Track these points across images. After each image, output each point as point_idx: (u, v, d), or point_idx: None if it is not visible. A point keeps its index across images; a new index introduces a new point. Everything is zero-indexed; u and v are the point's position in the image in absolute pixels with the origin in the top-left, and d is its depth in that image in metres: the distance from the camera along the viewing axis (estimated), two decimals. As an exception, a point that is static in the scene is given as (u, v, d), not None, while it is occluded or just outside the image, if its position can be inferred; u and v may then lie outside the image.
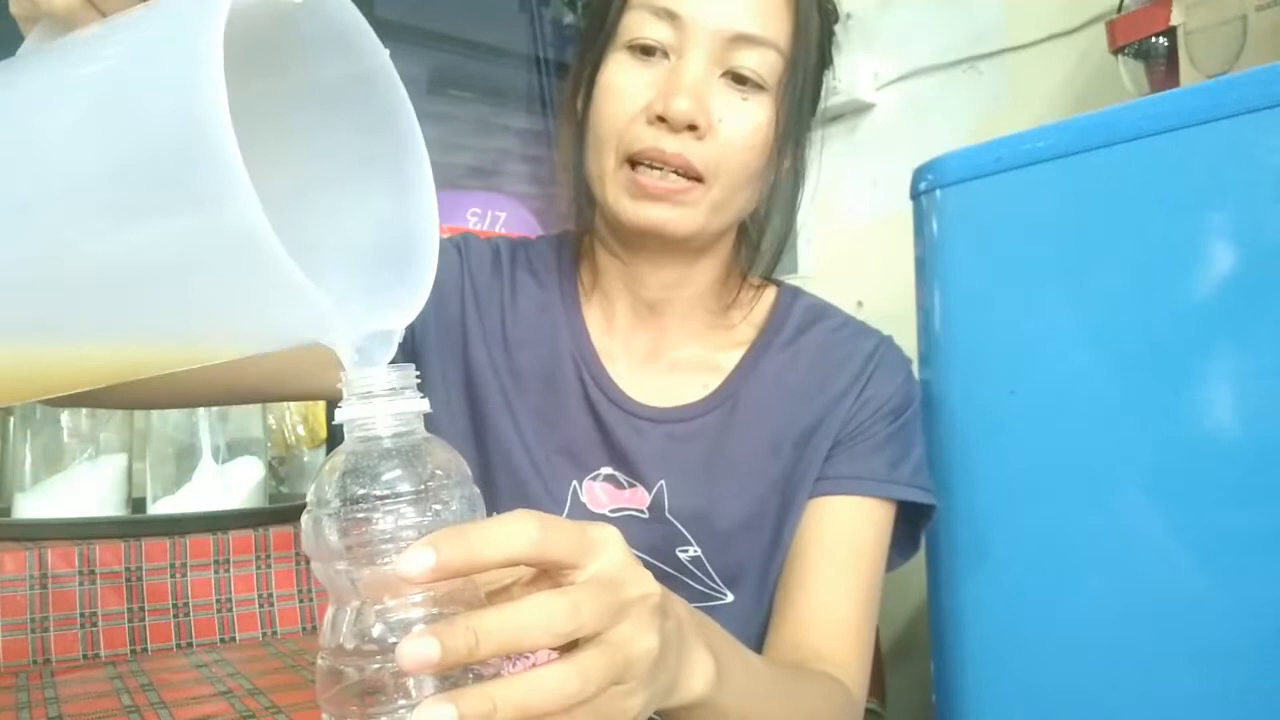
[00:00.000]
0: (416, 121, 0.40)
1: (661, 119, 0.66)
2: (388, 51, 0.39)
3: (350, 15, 0.37)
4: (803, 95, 0.71)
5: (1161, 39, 0.99)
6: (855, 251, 1.61)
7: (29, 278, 0.34)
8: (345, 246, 0.40)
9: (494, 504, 0.76)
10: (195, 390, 0.71)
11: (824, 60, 0.75)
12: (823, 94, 0.76)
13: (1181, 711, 0.74)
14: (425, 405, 0.38)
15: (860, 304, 1.44)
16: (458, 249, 0.80)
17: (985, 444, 0.85)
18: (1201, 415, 0.73)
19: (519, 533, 0.35)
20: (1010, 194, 0.84)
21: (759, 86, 0.68)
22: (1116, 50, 1.04)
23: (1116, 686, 0.77)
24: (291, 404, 1.48)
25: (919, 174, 0.92)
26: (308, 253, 0.30)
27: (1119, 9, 1.06)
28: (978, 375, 0.87)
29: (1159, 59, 1.01)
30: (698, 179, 0.68)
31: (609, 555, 0.38)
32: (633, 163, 0.68)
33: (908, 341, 0.87)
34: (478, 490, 0.40)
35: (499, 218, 1.63)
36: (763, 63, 0.68)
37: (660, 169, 0.67)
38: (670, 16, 0.67)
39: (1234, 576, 0.71)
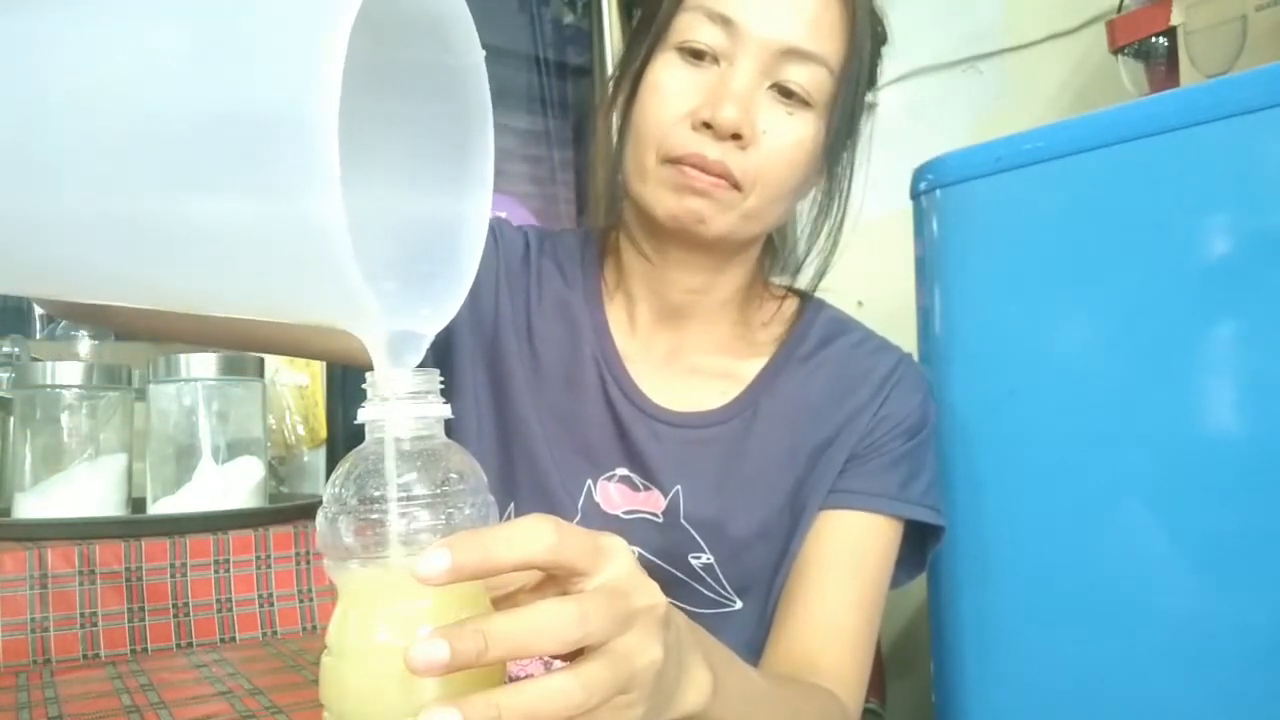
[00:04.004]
0: (492, 128, 0.40)
1: (707, 125, 0.66)
2: (483, 53, 0.39)
3: (457, 8, 0.37)
4: (852, 115, 0.71)
5: (1161, 39, 0.99)
6: (855, 251, 1.60)
7: (84, 208, 0.34)
8: (391, 228, 0.40)
9: (514, 496, 0.76)
10: (208, 332, 0.71)
11: (871, 81, 0.74)
12: (865, 113, 0.75)
13: (1182, 713, 0.74)
14: (446, 411, 0.39)
15: (860, 304, 1.44)
16: (493, 234, 0.79)
17: (985, 444, 0.85)
18: (1202, 416, 0.73)
19: (535, 536, 0.35)
20: (1010, 194, 0.84)
21: (805, 102, 0.68)
22: (1116, 50, 1.04)
23: (1117, 687, 0.77)
24: (291, 404, 1.48)
25: (919, 174, 0.92)
26: (353, 225, 0.30)
27: (1119, 9, 1.06)
28: (978, 375, 0.87)
29: (1159, 59, 1.01)
30: (736, 187, 0.67)
31: (618, 564, 0.38)
32: (672, 163, 0.68)
33: (908, 342, 0.87)
34: (492, 498, 0.40)
35: (499, 217, 1.64)
36: (812, 79, 0.67)
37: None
38: (724, 22, 0.66)
39: (1236, 580, 0.71)
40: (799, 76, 0.67)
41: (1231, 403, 0.72)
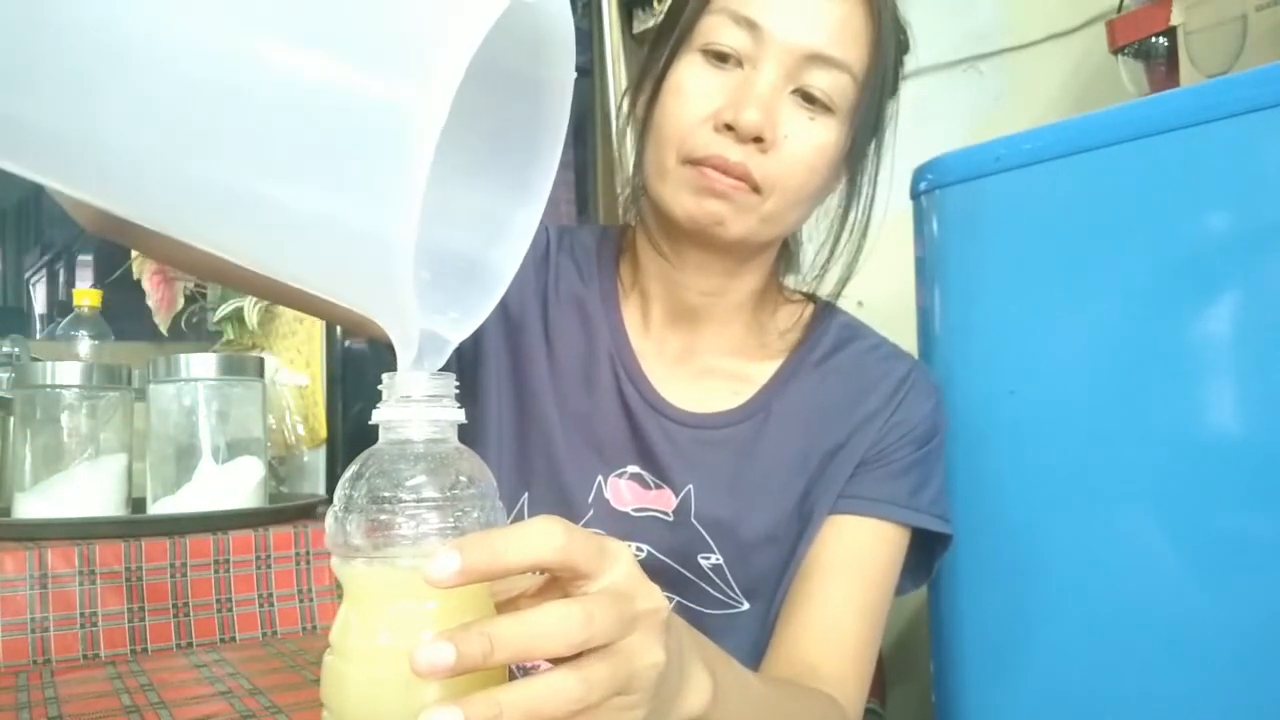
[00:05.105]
0: (562, 143, 0.39)
1: (729, 127, 0.66)
2: (574, 76, 0.38)
3: (562, 25, 0.36)
4: (875, 123, 0.71)
5: (1161, 39, 0.99)
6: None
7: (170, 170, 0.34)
8: (439, 219, 0.39)
9: (529, 488, 0.76)
10: (235, 276, 0.70)
11: (893, 89, 0.74)
12: (885, 121, 0.75)
13: (1183, 713, 0.74)
14: (460, 415, 0.39)
15: (860, 304, 1.44)
16: None
17: (985, 444, 0.85)
18: (1202, 417, 0.73)
19: (544, 537, 0.36)
20: (1010, 194, 0.84)
21: (827, 108, 0.68)
22: (1116, 50, 1.04)
23: (1116, 687, 0.77)
24: (291, 404, 1.48)
25: (919, 174, 0.92)
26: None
27: (1119, 9, 1.06)
28: (978, 375, 0.86)
29: (1159, 59, 1.01)
30: (755, 190, 0.67)
31: (621, 567, 0.38)
32: (693, 165, 0.68)
33: (908, 342, 0.87)
34: (500, 504, 0.40)
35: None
36: (834, 85, 0.67)
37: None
38: (750, 25, 0.67)
39: (1235, 580, 0.71)
40: (822, 82, 0.67)
41: (1233, 402, 0.72)
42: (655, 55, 0.72)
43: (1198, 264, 0.73)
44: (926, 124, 1.52)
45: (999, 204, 0.85)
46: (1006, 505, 0.84)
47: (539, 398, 0.77)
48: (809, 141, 0.68)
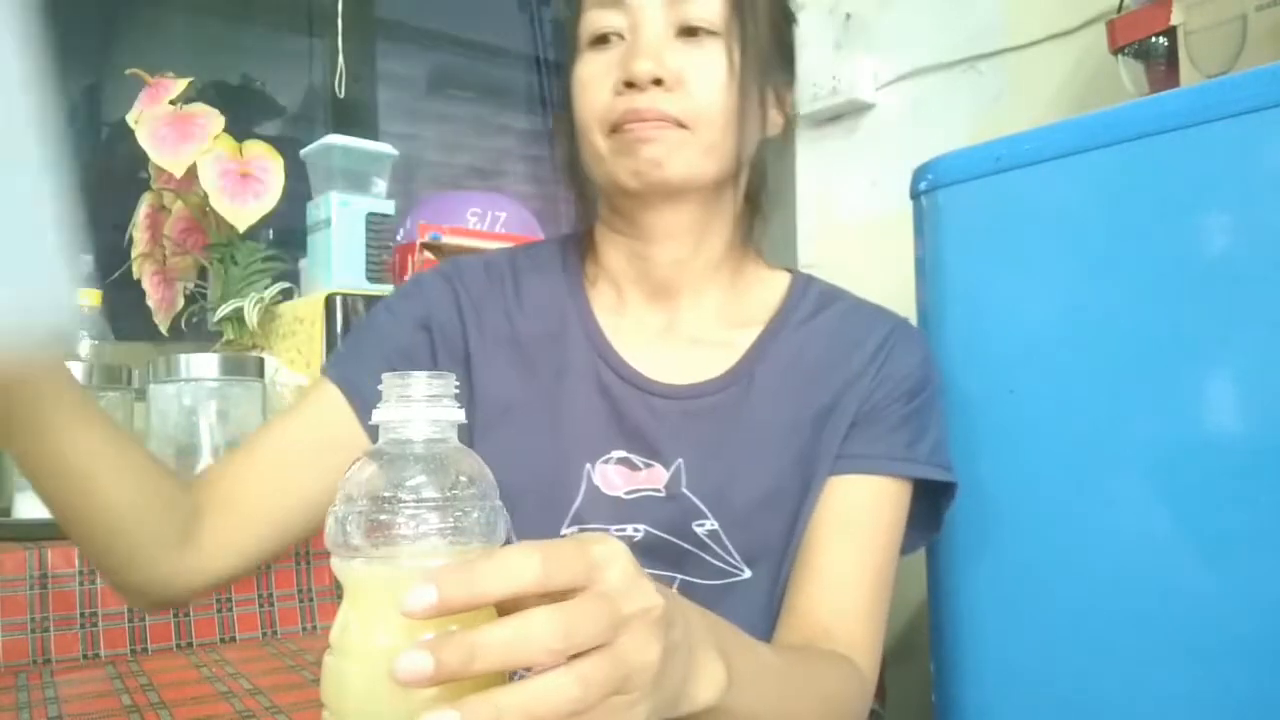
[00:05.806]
0: None
1: (630, 85, 0.70)
2: None
3: None
4: (758, 33, 0.73)
5: (1161, 39, 0.99)
6: (855, 251, 1.60)
7: None
8: None
9: (510, 510, 0.76)
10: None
11: (777, 6, 0.77)
12: (790, 47, 0.80)
13: (1181, 711, 0.74)
14: (460, 415, 0.39)
15: (860, 304, 1.44)
16: (446, 277, 0.81)
17: (985, 443, 0.85)
18: (1201, 414, 0.73)
19: (521, 568, 0.36)
20: (1010, 194, 0.84)
21: (711, 33, 0.72)
22: (1116, 50, 1.04)
23: (1116, 684, 0.77)
24: (291, 401, 1.48)
25: (919, 174, 0.92)
26: None
27: (1119, 9, 1.06)
28: (977, 375, 0.87)
29: (1159, 59, 1.01)
30: (680, 125, 0.71)
31: (613, 571, 0.38)
32: (615, 132, 0.72)
33: (908, 341, 0.87)
34: (501, 504, 0.40)
35: (499, 218, 1.63)
36: (707, 8, 0.71)
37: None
38: (615, 3, 0.72)
39: (1235, 575, 0.71)
40: (694, 12, 0.71)
41: (1228, 400, 0.72)
42: (566, 71, 0.77)
43: (1197, 263, 0.73)
44: (926, 124, 1.53)
45: (999, 204, 0.85)
46: (1006, 503, 0.84)
47: (520, 404, 0.77)
48: (704, 67, 0.71)
